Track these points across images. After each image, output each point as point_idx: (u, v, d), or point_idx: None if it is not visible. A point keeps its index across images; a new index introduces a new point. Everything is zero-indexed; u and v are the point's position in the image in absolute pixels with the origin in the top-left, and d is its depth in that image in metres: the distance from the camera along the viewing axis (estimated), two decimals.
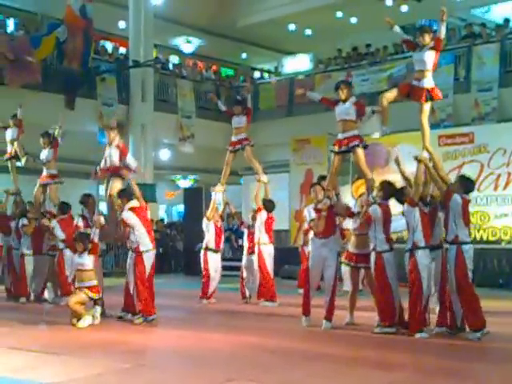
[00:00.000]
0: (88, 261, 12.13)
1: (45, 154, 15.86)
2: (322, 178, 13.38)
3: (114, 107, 23.66)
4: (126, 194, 12.58)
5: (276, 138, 24.90)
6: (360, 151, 12.24)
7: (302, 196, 22.23)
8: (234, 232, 25.99)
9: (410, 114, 21.33)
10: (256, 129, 26.37)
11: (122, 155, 13.34)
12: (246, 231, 15.95)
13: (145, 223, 12.37)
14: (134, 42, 24.73)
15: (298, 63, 29.97)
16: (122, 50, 28.03)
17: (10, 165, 17.21)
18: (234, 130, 15.61)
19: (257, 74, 32.96)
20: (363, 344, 10.28)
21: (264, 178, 15.66)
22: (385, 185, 11.54)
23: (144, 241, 12.23)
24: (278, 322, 12.78)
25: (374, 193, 11.49)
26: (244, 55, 33.88)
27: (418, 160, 11.26)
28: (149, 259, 12.24)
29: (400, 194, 11.20)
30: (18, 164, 16.91)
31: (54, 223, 14.74)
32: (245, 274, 15.58)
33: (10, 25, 24.93)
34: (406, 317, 10.83)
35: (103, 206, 14.77)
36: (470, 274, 10.37)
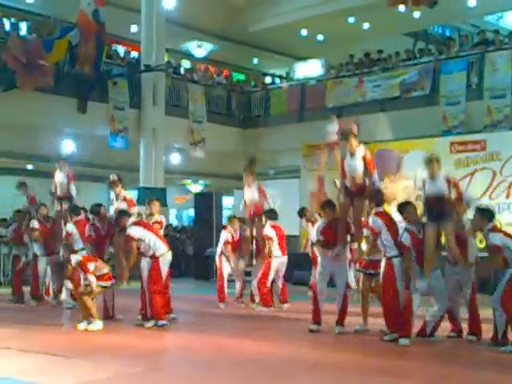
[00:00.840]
0: None
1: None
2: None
3: (126, 111, 23.68)
4: (125, 213, 12.95)
5: (287, 143, 24.87)
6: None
7: (312, 202, 22.14)
8: None
9: (420, 120, 21.55)
10: (267, 134, 26.48)
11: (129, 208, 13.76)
12: None
13: (150, 229, 12.56)
14: (146, 46, 24.73)
15: (310, 68, 29.90)
16: (134, 54, 28.06)
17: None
18: None
19: (268, 79, 32.93)
20: (372, 351, 10.23)
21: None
22: (373, 193, 11.60)
23: (158, 246, 12.33)
24: (290, 328, 12.75)
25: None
26: (255, 60, 33.88)
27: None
28: (164, 263, 12.35)
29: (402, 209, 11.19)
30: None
31: (71, 226, 14.71)
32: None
33: (23, 28, 24.94)
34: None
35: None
36: None
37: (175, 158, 26.37)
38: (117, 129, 23.35)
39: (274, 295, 15.52)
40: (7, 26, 24.03)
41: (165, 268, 12.44)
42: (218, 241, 16.45)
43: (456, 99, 21.37)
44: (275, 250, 15.11)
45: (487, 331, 10.55)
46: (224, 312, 14.88)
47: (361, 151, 11.82)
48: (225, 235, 15.72)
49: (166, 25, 25.01)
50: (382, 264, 11.06)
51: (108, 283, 12.23)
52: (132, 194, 23.60)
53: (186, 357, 9.85)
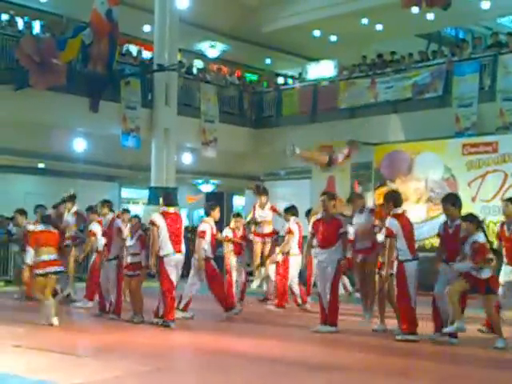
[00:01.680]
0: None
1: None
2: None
3: (138, 110, 23.72)
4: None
5: (299, 144, 24.78)
6: None
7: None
8: None
9: (432, 122, 21.50)
10: (279, 134, 26.45)
11: None
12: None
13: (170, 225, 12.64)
14: (159, 45, 24.74)
15: (322, 69, 29.81)
16: (147, 53, 28.09)
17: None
18: None
19: (280, 80, 32.91)
20: (384, 351, 10.20)
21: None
22: (390, 194, 11.62)
23: (164, 245, 12.41)
24: (299, 329, 12.73)
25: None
26: (268, 61, 33.86)
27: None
28: (170, 264, 12.40)
29: None
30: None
31: (96, 226, 14.84)
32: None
33: (36, 27, 25.01)
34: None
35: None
36: None
37: (187, 158, 26.37)
38: (129, 128, 23.38)
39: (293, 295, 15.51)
40: (20, 25, 24.10)
41: (170, 268, 12.48)
42: None
43: (468, 101, 21.31)
44: (294, 246, 15.13)
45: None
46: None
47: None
48: (226, 231, 15.54)
49: (179, 25, 25.02)
50: (395, 266, 11.07)
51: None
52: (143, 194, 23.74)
53: (195, 356, 9.87)
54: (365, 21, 28.30)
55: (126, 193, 30.69)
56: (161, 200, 13.06)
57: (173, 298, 12.40)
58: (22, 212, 16.82)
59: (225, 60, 32.82)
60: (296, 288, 15.34)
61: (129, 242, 13.37)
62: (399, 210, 11.27)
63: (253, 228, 16.09)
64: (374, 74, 24.78)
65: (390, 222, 11.07)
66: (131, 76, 23.88)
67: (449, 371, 8.85)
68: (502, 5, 26.03)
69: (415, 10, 22.50)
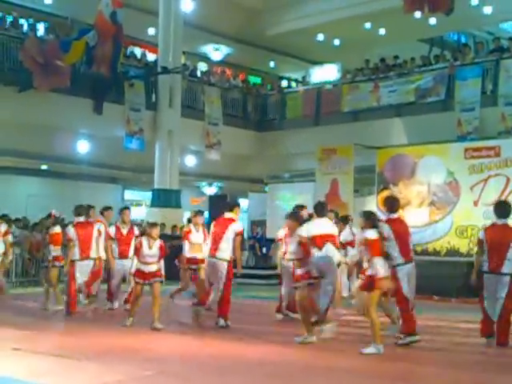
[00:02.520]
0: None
1: None
2: (299, 206, 13.51)
3: (142, 112, 23.78)
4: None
5: (302, 146, 24.89)
6: None
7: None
8: (257, 240, 26.05)
9: (434, 126, 21.54)
10: (282, 137, 26.51)
11: None
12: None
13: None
14: (163, 48, 24.81)
15: (326, 73, 29.91)
16: (151, 56, 28.15)
17: None
18: None
19: (284, 83, 32.95)
20: (385, 356, 10.16)
21: None
22: (386, 199, 11.63)
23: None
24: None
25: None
26: (272, 64, 33.92)
27: None
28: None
29: None
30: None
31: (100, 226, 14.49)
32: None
33: (41, 29, 25.07)
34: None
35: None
36: None
37: (190, 160, 26.42)
38: (132, 130, 23.44)
39: None
40: (25, 27, 24.22)
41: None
42: None
43: (471, 105, 21.37)
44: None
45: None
46: (236, 317, 14.83)
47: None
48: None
49: (183, 27, 25.11)
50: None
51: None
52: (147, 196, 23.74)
53: (197, 361, 9.79)
54: (368, 25, 28.40)
55: (129, 195, 30.72)
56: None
57: None
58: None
59: (229, 63, 32.87)
60: None
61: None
62: (394, 215, 11.29)
63: None
64: (377, 78, 24.84)
65: (382, 227, 11.05)
66: (135, 78, 23.95)
67: (450, 376, 8.86)
68: (504, 10, 26.09)
69: (418, 14, 22.57)
